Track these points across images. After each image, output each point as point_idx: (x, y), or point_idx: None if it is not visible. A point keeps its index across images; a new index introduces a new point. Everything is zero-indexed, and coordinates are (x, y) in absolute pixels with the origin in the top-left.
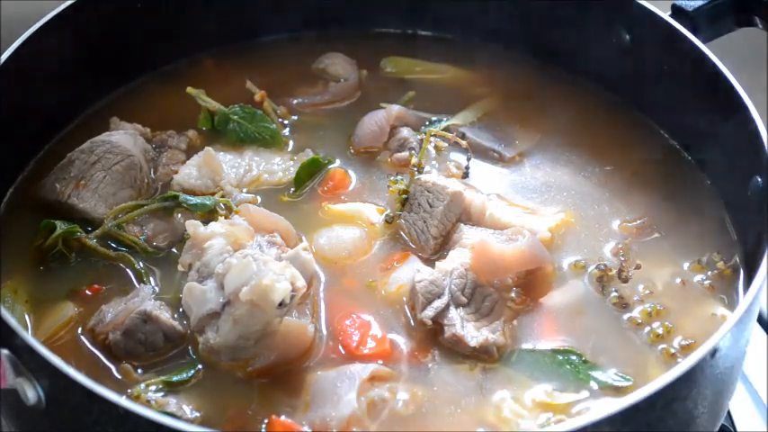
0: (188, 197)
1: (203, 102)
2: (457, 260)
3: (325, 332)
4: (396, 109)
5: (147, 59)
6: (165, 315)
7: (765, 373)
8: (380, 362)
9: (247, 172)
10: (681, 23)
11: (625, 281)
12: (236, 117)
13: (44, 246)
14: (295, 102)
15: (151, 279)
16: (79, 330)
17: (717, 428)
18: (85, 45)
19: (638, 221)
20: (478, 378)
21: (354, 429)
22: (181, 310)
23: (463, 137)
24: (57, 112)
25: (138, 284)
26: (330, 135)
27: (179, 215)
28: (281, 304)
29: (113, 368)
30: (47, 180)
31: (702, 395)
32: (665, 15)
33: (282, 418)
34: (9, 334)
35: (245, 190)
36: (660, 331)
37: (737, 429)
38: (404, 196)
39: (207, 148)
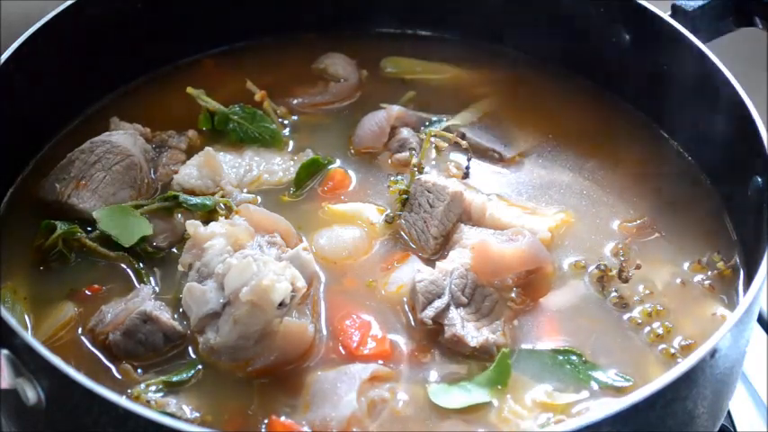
0: (188, 197)
1: (203, 102)
2: (457, 260)
3: (325, 332)
4: (396, 109)
5: (147, 59)
6: (165, 315)
7: (765, 373)
8: (380, 362)
9: (247, 172)
10: (681, 23)
11: (625, 281)
12: (236, 117)
13: (44, 246)
14: (295, 102)
15: (151, 279)
16: (79, 330)
17: (717, 428)
18: (86, 45)
19: (638, 221)
20: None
21: (354, 429)
22: (181, 310)
23: (463, 137)
24: (57, 112)
25: (138, 284)
26: (330, 135)
27: (179, 215)
28: (281, 304)
29: (113, 368)
30: (47, 180)
31: (702, 395)
32: (665, 15)
33: (282, 418)
34: (9, 334)
35: (245, 190)
36: (660, 331)
37: (737, 429)
38: (404, 196)
39: (207, 148)
